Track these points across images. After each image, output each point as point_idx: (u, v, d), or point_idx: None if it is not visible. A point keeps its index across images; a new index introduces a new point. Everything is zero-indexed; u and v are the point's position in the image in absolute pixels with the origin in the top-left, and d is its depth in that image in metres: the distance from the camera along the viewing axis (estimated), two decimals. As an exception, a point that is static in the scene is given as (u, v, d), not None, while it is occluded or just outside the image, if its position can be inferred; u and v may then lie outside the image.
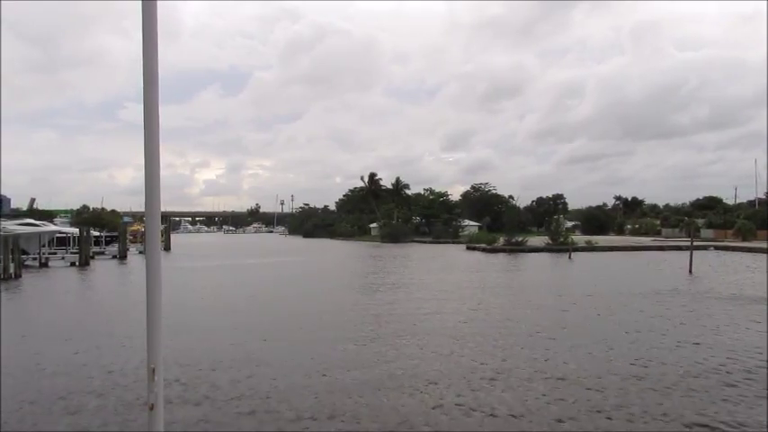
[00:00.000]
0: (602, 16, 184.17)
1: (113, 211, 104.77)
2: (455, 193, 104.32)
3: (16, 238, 31.50)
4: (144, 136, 2.07)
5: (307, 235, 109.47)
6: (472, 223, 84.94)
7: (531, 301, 19.78)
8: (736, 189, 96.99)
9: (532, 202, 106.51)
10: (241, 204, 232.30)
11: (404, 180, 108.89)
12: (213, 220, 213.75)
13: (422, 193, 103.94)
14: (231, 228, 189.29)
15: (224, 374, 10.24)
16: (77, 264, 37.61)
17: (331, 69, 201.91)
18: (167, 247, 57.27)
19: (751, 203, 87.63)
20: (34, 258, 38.09)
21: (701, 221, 78.73)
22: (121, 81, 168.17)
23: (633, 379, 9.78)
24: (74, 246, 41.61)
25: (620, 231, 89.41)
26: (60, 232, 44.18)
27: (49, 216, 78.19)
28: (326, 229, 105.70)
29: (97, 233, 52.27)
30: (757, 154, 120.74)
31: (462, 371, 10.39)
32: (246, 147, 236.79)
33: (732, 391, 9.03)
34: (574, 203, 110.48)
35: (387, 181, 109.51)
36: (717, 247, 50.04)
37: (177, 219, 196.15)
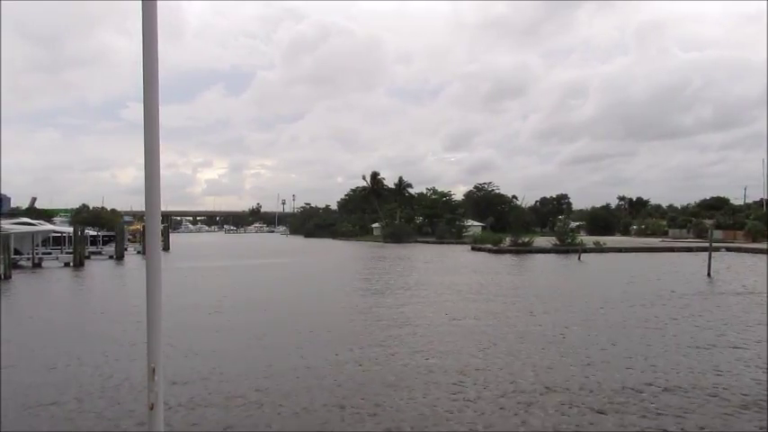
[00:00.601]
0: (607, 16, 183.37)
1: (113, 210, 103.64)
2: (457, 194, 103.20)
3: (7, 237, 30.37)
4: (144, 136, 2.03)
5: (308, 235, 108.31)
6: (476, 223, 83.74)
7: (568, 306, 18.13)
8: (745, 189, 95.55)
9: (536, 202, 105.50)
10: (243, 204, 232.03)
11: (406, 180, 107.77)
12: (214, 220, 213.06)
13: (424, 192, 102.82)
14: (232, 227, 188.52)
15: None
16: (72, 264, 36.45)
17: (334, 69, 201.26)
18: (166, 248, 56.14)
19: (758, 204, 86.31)
20: (28, 258, 37.00)
21: (708, 222, 77.50)
22: (124, 81, 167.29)
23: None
24: (70, 245, 40.47)
25: (626, 232, 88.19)
26: (56, 232, 43.04)
27: (48, 215, 77.29)
28: (328, 228, 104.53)
29: (94, 232, 51.16)
30: (760, 154, 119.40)
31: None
32: (249, 146, 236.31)
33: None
34: (576, 204, 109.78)
35: (389, 181, 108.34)
36: (729, 249, 48.81)
37: (178, 218, 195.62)
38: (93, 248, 46.26)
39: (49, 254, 39.49)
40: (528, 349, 12.08)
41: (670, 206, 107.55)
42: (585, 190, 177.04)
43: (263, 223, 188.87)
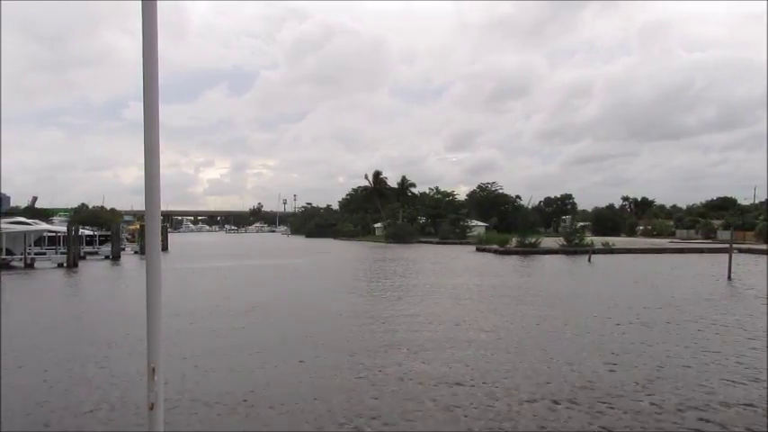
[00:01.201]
0: (611, 16, 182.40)
1: (113, 209, 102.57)
2: (460, 194, 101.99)
3: (-2, 237, 29.26)
4: (144, 135, 2.00)
5: (309, 235, 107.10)
6: (479, 224, 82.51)
7: (595, 315, 16.69)
8: (755, 189, 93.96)
9: (540, 202, 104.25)
10: (244, 204, 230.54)
11: (409, 179, 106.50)
12: (215, 220, 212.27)
13: (427, 192, 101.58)
14: (233, 227, 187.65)
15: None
16: (65, 265, 35.28)
17: (337, 69, 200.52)
18: (164, 248, 54.98)
19: (766, 204, 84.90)
20: (20, 259, 35.88)
21: (717, 222, 76.24)
22: (127, 80, 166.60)
23: None
24: (65, 245, 39.32)
25: (632, 233, 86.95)
26: (50, 231, 41.93)
27: (47, 215, 76.33)
28: (329, 228, 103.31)
29: (91, 232, 50.03)
30: (763, 155, 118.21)
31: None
32: (251, 146, 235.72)
33: None
34: (578, 204, 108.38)
35: (391, 181, 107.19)
36: (740, 250, 47.49)
37: (180, 218, 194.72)
38: (89, 248, 45.15)
39: (43, 254, 38.36)
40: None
41: (673, 206, 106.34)
42: (587, 190, 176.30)
43: (264, 223, 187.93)
